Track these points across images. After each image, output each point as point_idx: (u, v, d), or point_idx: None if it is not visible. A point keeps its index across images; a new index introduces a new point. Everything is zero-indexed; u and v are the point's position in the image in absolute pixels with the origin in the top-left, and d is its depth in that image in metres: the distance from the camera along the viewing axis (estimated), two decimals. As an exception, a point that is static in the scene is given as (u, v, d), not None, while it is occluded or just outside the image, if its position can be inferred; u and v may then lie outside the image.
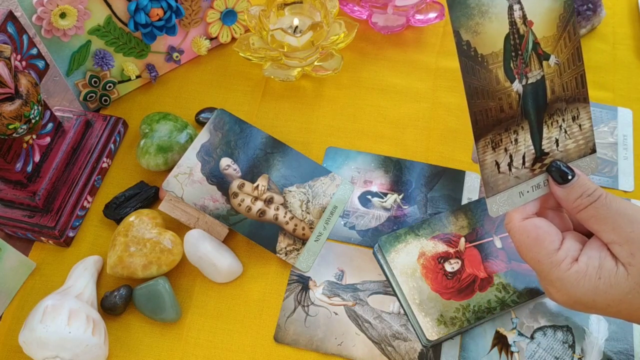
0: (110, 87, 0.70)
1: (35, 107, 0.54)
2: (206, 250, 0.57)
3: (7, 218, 0.61)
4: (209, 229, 0.60)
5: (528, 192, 0.48)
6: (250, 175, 0.62)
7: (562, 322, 0.56)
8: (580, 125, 0.50)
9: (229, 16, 0.73)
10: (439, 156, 0.66)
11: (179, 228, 0.61)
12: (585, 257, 0.44)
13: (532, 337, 0.55)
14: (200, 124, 0.69)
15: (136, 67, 0.70)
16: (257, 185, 0.62)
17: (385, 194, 0.64)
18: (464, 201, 0.63)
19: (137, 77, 0.71)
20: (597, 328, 0.55)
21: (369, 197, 0.64)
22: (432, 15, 0.73)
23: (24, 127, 0.54)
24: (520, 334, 0.55)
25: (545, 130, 0.48)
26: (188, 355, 0.56)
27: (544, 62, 0.47)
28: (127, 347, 0.57)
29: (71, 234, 0.62)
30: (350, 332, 0.56)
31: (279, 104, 0.71)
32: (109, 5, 0.64)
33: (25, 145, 0.60)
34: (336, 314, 0.57)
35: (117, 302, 0.57)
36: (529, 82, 0.46)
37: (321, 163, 0.66)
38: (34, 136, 0.61)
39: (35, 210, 0.61)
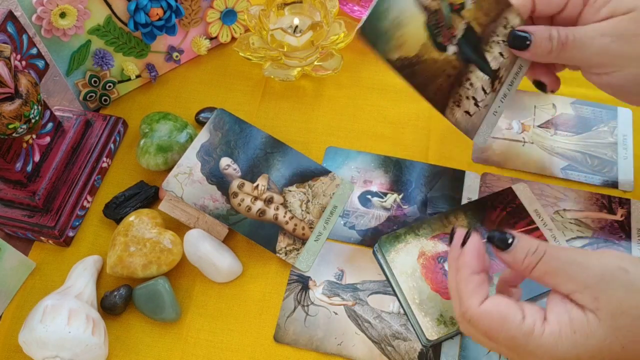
0: (110, 86, 0.70)
1: (35, 107, 0.54)
2: (206, 250, 0.57)
3: (7, 218, 0.61)
4: (209, 229, 0.60)
5: (499, 106, 0.50)
6: (250, 175, 0.62)
7: (561, 322, 0.55)
8: (512, 27, 0.52)
9: (228, 16, 0.73)
10: (439, 156, 0.66)
11: (179, 228, 0.61)
12: (553, 315, 0.43)
13: (531, 337, 0.55)
14: (200, 123, 0.69)
15: (136, 66, 0.70)
16: (257, 185, 0.62)
17: (385, 194, 0.64)
18: (464, 201, 0.63)
19: (137, 76, 0.71)
20: (597, 328, 0.55)
21: (369, 196, 0.64)
22: (432, 15, 0.73)
23: (24, 126, 0.54)
24: (519, 333, 0.55)
25: (488, 55, 0.50)
26: (188, 355, 0.56)
27: (463, 12, 0.47)
28: (127, 346, 0.57)
29: (71, 234, 0.62)
30: (350, 331, 0.56)
31: (279, 103, 0.71)
32: (109, 5, 0.64)
33: (25, 145, 0.60)
34: (336, 313, 0.57)
35: (117, 301, 0.57)
36: (459, 37, 0.48)
37: (321, 163, 0.66)
38: (34, 136, 0.61)
39: (35, 210, 0.61)
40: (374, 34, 0.49)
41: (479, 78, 0.54)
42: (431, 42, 0.51)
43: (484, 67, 0.54)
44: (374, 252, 0.60)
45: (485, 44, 0.54)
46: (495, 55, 0.55)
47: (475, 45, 0.53)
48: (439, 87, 0.51)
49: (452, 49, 0.52)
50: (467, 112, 0.52)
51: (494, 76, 0.54)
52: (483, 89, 0.53)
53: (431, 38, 0.51)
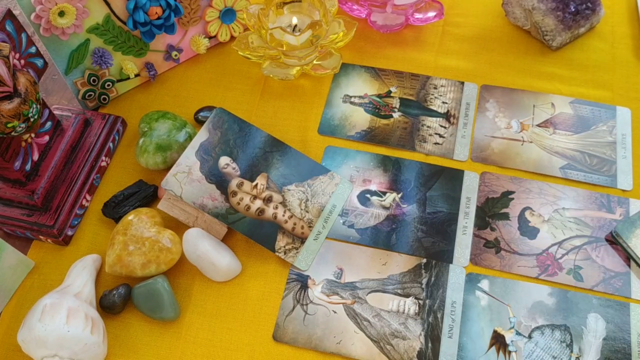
0: (109, 85, 0.70)
1: (34, 106, 0.54)
2: (205, 249, 0.57)
3: (6, 217, 0.61)
4: (208, 228, 0.60)
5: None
6: (250, 173, 0.62)
7: (560, 322, 0.56)
8: None
9: (228, 15, 0.73)
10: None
11: (178, 227, 0.61)
12: None
13: (529, 337, 0.55)
14: (199, 122, 0.69)
15: (135, 65, 0.70)
16: (256, 184, 0.62)
17: (384, 193, 0.64)
18: (463, 200, 0.63)
19: (136, 75, 0.71)
20: (595, 327, 0.55)
21: (368, 195, 0.64)
22: (431, 14, 0.73)
23: (23, 125, 0.54)
24: (518, 333, 0.55)
25: (432, 106, 0.68)
26: (187, 354, 0.56)
27: (391, 94, 0.66)
28: (126, 345, 0.57)
29: (70, 233, 0.62)
30: (349, 330, 0.56)
31: (278, 102, 0.71)
32: (108, 4, 0.64)
33: (23, 143, 0.60)
34: (335, 312, 0.57)
35: (116, 300, 0.57)
36: (397, 106, 0.69)
37: (320, 162, 0.66)
38: (33, 135, 0.61)
39: (34, 209, 0.61)
40: (329, 131, 0.68)
41: (432, 121, 0.68)
42: (376, 117, 0.69)
43: (433, 114, 0.68)
44: (613, 236, 0.59)
45: (425, 102, 0.69)
46: (439, 105, 0.69)
47: (416, 105, 0.69)
48: (399, 137, 0.67)
49: (396, 114, 0.69)
50: (437, 143, 0.66)
51: (447, 116, 0.68)
52: (441, 126, 0.67)
53: (375, 115, 0.69)
